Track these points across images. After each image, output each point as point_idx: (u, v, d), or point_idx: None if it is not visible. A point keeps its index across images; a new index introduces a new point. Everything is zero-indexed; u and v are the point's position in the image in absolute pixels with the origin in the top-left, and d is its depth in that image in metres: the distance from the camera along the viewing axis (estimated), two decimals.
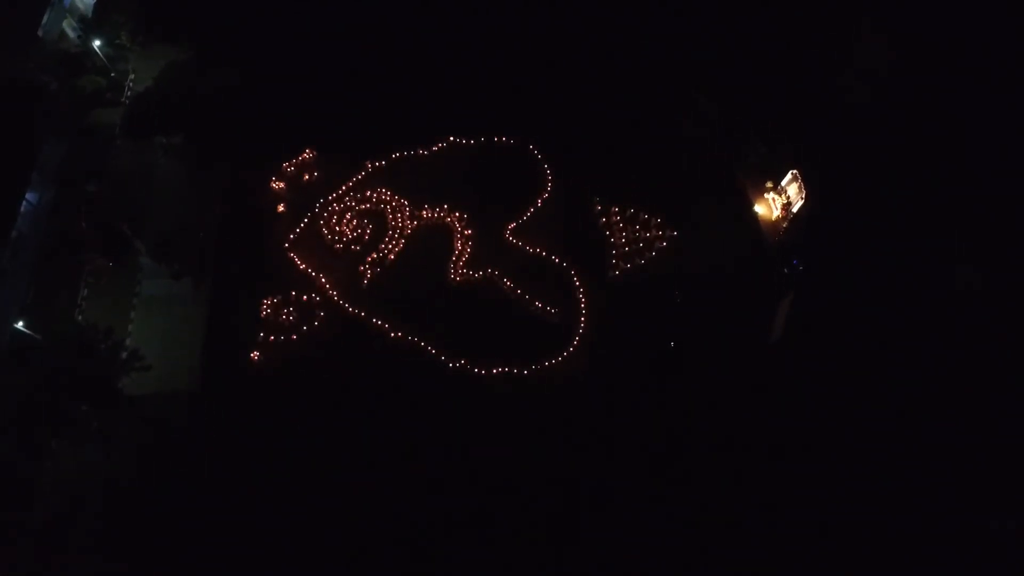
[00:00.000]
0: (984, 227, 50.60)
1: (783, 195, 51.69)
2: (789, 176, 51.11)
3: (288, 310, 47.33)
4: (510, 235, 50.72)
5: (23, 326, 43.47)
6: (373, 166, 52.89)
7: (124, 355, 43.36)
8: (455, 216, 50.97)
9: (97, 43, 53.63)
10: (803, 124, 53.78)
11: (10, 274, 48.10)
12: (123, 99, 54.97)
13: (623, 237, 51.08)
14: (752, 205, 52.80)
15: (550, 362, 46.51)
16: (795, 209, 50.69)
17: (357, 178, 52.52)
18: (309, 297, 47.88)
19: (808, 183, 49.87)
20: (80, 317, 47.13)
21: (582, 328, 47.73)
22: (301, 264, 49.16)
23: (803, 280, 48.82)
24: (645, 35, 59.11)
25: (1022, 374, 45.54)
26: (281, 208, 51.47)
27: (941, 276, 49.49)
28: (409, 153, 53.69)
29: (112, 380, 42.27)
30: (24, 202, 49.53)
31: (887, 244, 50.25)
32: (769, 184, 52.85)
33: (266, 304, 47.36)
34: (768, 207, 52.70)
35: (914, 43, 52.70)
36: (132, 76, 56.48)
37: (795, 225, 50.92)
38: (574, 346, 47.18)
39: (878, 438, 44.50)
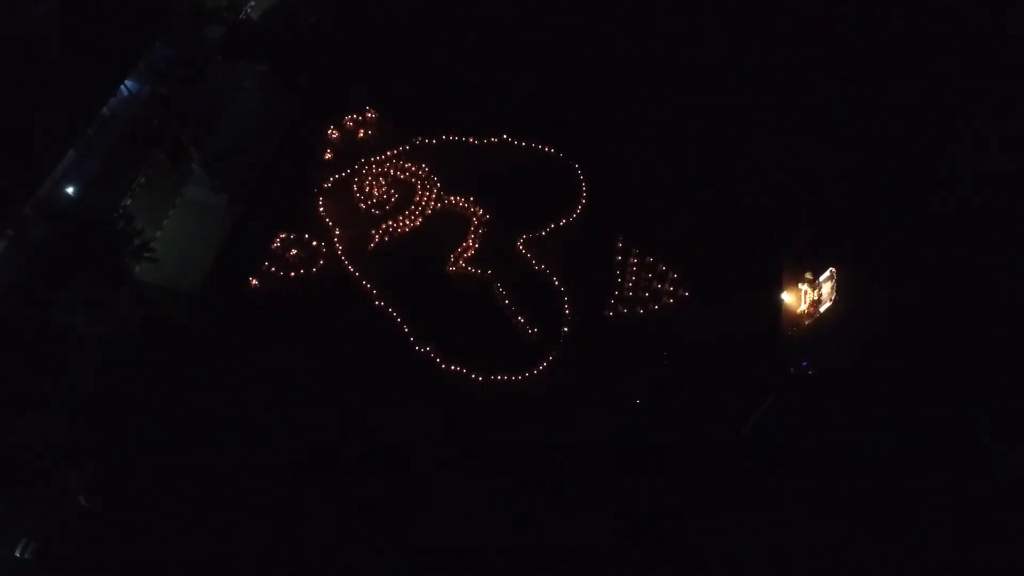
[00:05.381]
0: None
1: (816, 290, 47.40)
2: (827, 273, 46.70)
3: (295, 250, 50.03)
4: (521, 245, 50.34)
5: (72, 191, 49.16)
6: (421, 141, 54.21)
7: (137, 242, 47.81)
8: (476, 210, 51.30)
9: None
10: (864, 225, 48.97)
11: (92, 145, 54.34)
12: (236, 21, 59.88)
13: (631, 281, 49.15)
14: (781, 290, 48.89)
15: (509, 378, 45.98)
16: (822, 309, 46.36)
17: (403, 148, 54.09)
18: (317, 243, 50.28)
19: (843, 287, 45.42)
20: (129, 201, 52.50)
21: (552, 357, 46.71)
22: (322, 211, 51.65)
23: (801, 386, 44.72)
24: (739, 106, 56.02)
25: None
26: (328, 156, 54.20)
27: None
28: (459, 139, 54.54)
29: (122, 258, 46.83)
30: (124, 87, 55.70)
31: (911, 394, 43.92)
32: (808, 275, 48.61)
33: (279, 238, 50.32)
34: (797, 298, 48.51)
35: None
36: (253, 3, 61.29)
37: (817, 325, 46.60)
38: (538, 371, 46.30)
39: None
